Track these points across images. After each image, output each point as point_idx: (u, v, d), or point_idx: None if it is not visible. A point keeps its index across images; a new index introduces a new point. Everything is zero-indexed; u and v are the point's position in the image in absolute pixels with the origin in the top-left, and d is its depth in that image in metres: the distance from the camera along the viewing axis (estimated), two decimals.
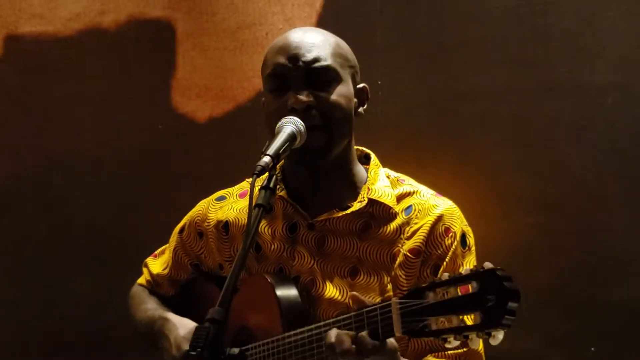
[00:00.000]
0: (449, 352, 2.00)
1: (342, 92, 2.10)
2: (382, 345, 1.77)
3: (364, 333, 1.77)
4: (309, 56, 2.08)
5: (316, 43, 2.11)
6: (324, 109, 2.06)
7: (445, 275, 1.62)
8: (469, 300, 1.55)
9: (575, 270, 2.74)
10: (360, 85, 2.20)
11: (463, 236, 2.10)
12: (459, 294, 1.56)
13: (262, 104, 2.20)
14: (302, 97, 2.04)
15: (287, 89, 2.08)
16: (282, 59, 2.10)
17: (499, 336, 1.53)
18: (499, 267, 1.55)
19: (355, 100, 2.15)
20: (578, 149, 2.76)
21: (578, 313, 2.72)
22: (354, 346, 1.76)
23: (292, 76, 2.08)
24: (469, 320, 1.58)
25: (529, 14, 2.80)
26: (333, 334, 1.79)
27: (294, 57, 2.08)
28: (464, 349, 2.00)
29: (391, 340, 1.79)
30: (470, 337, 1.54)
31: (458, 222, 2.11)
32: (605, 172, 2.74)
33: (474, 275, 1.55)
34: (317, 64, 2.08)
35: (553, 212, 2.76)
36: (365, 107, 2.20)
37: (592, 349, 2.70)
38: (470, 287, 1.55)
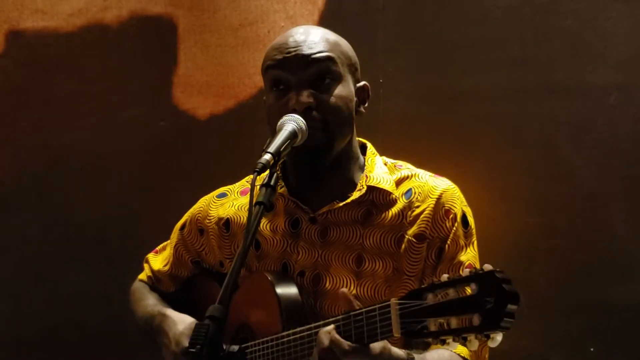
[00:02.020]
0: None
1: (342, 93, 2.10)
2: (365, 349, 1.77)
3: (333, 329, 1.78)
4: (309, 55, 2.08)
5: (316, 41, 2.11)
6: (324, 110, 2.06)
7: (445, 277, 1.62)
8: (468, 302, 1.55)
9: (575, 270, 2.73)
10: (361, 84, 2.20)
11: (464, 217, 2.11)
12: (458, 295, 1.57)
13: (263, 102, 2.20)
14: (303, 99, 2.04)
15: (287, 87, 2.09)
16: (282, 58, 2.10)
17: (497, 338, 1.54)
18: (498, 270, 1.55)
19: (355, 99, 2.15)
20: (578, 149, 2.75)
21: (578, 313, 2.71)
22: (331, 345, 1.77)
23: (293, 75, 2.08)
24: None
25: (530, 13, 2.79)
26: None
27: (294, 56, 2.08)
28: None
29: (373, 345, 1.77)
30: (468, 339, 1.55)
31: (458, 202, 2.11)
32: (605, 172, 2.73)
33: (473, 277, 1.56)
34: (317, 63, 2.08)
35: (553, 212, 2.75)
36: (366, 105, 2.21)
37: (592, 349, 2.70)
38: (470, 289, 1.56)
